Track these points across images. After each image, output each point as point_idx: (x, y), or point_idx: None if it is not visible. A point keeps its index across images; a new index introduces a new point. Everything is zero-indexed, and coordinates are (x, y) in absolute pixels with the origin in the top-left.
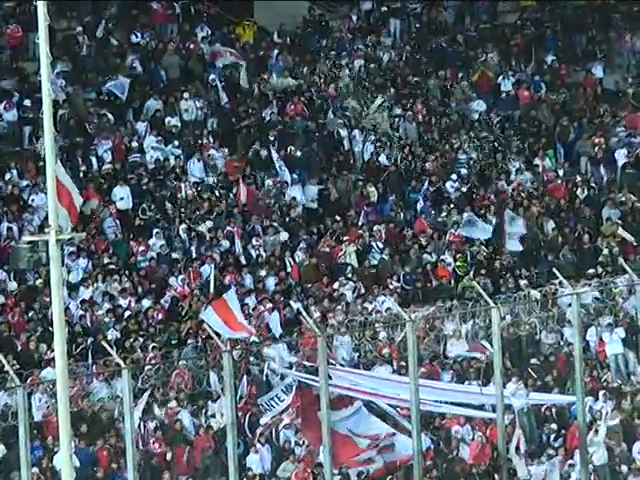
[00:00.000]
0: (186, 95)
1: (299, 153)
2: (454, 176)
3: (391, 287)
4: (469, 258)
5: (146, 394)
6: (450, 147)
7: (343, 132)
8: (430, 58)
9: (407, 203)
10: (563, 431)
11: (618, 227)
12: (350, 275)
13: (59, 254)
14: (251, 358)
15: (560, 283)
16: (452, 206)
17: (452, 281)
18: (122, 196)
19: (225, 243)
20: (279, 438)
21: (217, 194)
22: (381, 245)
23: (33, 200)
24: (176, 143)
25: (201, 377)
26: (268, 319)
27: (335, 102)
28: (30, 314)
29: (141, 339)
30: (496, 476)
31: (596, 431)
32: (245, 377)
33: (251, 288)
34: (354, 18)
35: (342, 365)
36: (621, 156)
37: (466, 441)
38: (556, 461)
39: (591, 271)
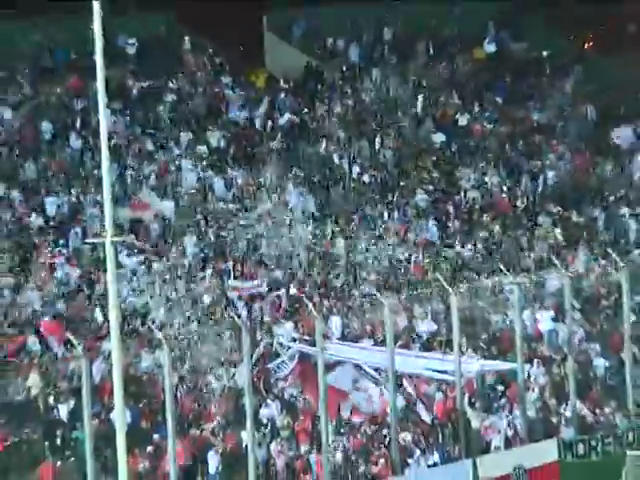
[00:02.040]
0: (211, 127)
1: (302, 173)
2: (422, 191)
3: (372, 278)
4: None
5: (185, 366)
6: (418, 169)
7: (335, 156)
8: (402, 99)
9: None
10: (507, 391)
11: (550, 231)
12: (341, 268)
13: (113, 252)
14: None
15: (505, 275)
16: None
17: (421, 274)
18: (166, 207)
19: (241, 244)
20: (285, 395)
21: (236, 206)
22: (365, 244)
23: (93, 211)
24: (204, 164)
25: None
26: None
27: (329, 133)
28: (92, 300)
29: (179, 318)
30: (455, 426)
31: (532, 390)
32: (258, 348)
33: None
34: (343, 68)
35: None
36: (551, 176)
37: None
38: (502, 414)
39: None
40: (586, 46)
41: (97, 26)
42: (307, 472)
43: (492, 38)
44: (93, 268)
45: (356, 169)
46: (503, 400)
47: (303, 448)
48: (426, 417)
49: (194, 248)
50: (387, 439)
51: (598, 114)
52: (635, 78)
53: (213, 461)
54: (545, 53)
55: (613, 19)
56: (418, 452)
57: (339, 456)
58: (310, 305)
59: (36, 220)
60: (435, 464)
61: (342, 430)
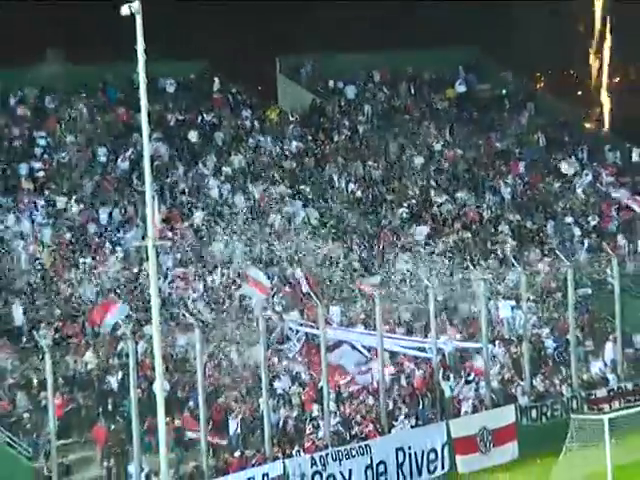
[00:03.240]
0: (234, 151)
1: (308, 189)
2: (405, 204)
3: (365, 275)
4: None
5: (212, 345)
6: (402, 186)
7: (335, 176)
8: (390, 129)
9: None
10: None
11: (508, 236)
12: (340, 267)
13: (154, 253)
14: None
15: (472, 272)
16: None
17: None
18: (197, 216)
19: (258, 247)
20: (294, 370)
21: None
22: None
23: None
24: (223, 179)
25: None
26: None
27: (330, 158)
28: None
29: (209, 307)
30: (432, 395)
31: (495, 366)
32: (275, 332)
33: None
34: (341, 104)
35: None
36: (510, 191)
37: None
38: (472, 385)
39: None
40: (537, 87)
41: (141, 69)
42: (312, 433)
43: (462, 80)
44: (138, 266)
45: (351, 186)
46: (472, 374)
47: (309, 413)
48: (408, 388)
49: (220, 250)
50: (377, 406)
51: (547, 142)
52: (576, 113)
53: (234, 424)
54: (504, 92)
55: (559, 64)
56: (402, 416)
57: (338, 419)
58: (315, 297)
59: (91, 227)
60: (417, 425)
61: (340, 398)
